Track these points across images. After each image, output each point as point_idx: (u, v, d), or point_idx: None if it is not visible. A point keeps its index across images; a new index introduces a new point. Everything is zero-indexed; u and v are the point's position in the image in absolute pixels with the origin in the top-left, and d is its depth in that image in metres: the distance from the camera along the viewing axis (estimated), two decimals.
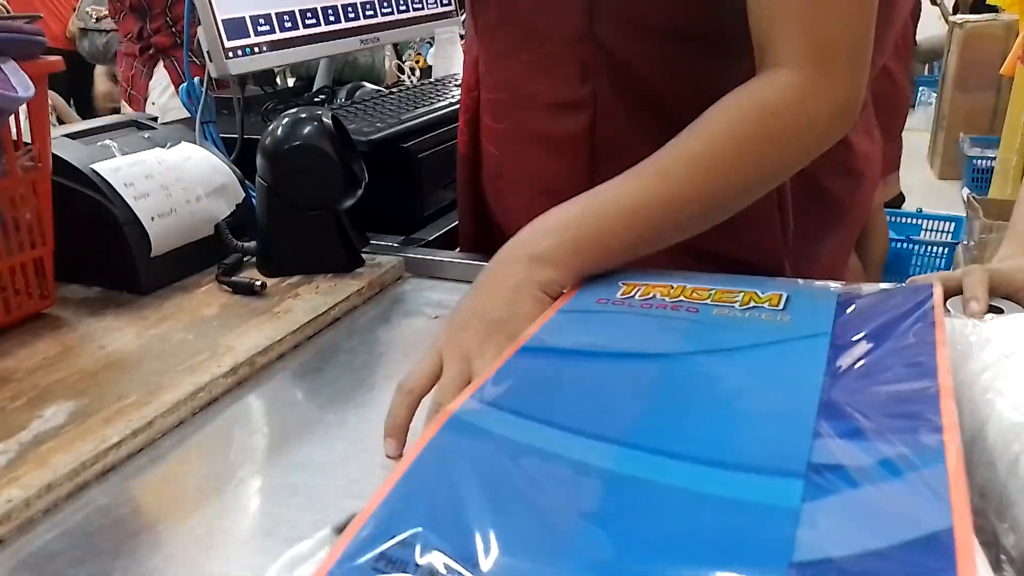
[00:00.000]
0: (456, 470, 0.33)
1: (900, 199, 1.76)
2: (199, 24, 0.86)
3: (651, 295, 0.50)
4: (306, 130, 0.74)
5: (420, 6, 1.21)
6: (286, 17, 0.94)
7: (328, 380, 0.60)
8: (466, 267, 0.77)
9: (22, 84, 0.54)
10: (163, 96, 1.58)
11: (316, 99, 1.09)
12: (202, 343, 0.62)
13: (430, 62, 1.60)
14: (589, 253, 0.54)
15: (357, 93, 1.09)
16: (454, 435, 0.36)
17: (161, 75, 1.59)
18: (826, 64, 0.56)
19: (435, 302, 0.73)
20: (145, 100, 1.61)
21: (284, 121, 0.75)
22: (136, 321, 0.67)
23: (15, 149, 0.63)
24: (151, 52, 1.58)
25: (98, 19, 2.67)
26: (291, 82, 1.41)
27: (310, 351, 0.64)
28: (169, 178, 0.76)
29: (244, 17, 0.88)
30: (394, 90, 1.11)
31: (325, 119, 0.75)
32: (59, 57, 0.63)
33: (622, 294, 0.50)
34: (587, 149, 0.68)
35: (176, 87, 1.57)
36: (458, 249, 0.87)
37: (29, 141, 0.65)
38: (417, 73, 1.49)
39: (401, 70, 1.45)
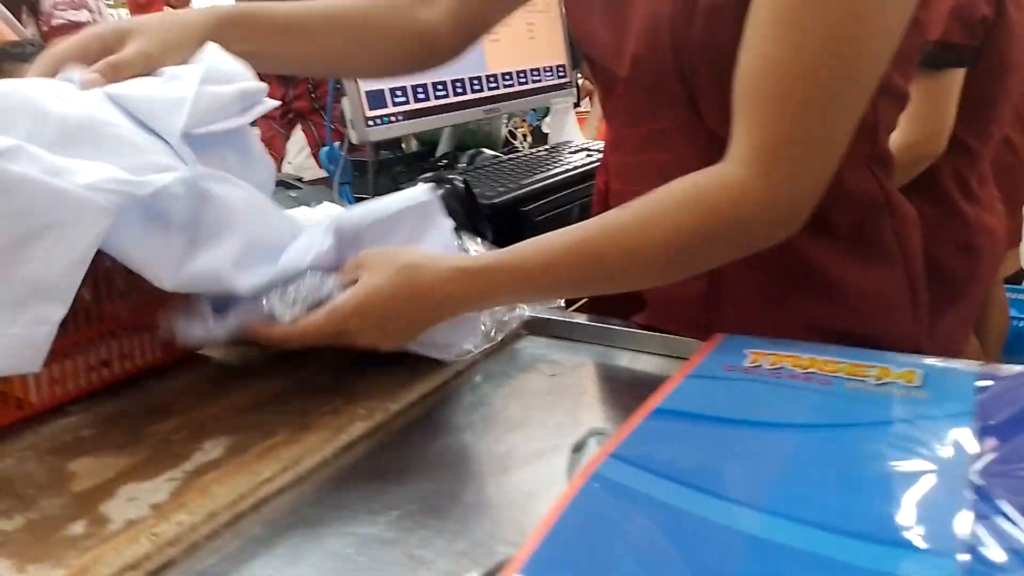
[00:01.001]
0: (601, 528, 0.35)
1: (1021, 275, 1.69)
2: (343, 95, 0.94)
3: (780, 365, 0.51)
4: (440, 193, 0.80)
5: (538, 78, 1.27)
6: (420, 89, 1.02)
7: (449, 428, 0.63)
8: (584, 327, 0.79)
9: None
10: (299, 156, 1.71)
11: (440, 164, 1.16)
12: (342, 386, 0.67)
13: (541, 129, 1.67)
14: (474, 305, 0.63)
15: (478, 159, 1.16)
16: (597, 492, 0.38)
17: (298, 137, 1.71)
18: (768, 165, 0.55)
19: (553, 360, 0.75)
20: (282, 160, 1.74)
21: (417, 185, 0.81)
22: (281, 362, 0.72)
23: None
24: (291, 116, 1.71)
25: None
26: (414, 146, 1.50)
27: (434, 398, 0.68)
28: None
29: (384, 89, 0.96)
30: (512, 156, 1.17)
31: (457, 183, 0.80)
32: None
33: (750, 363, 0.52)
34: None
35: (312, 149, 1.69)
36: (571, 308, 0.90)
37: None
38: (529, 139, 1.55)
39: (513, 136, 1.51)
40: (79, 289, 0.63)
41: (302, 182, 0.95)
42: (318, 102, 1.73)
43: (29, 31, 1.30)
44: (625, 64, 0.70)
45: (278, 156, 1.72)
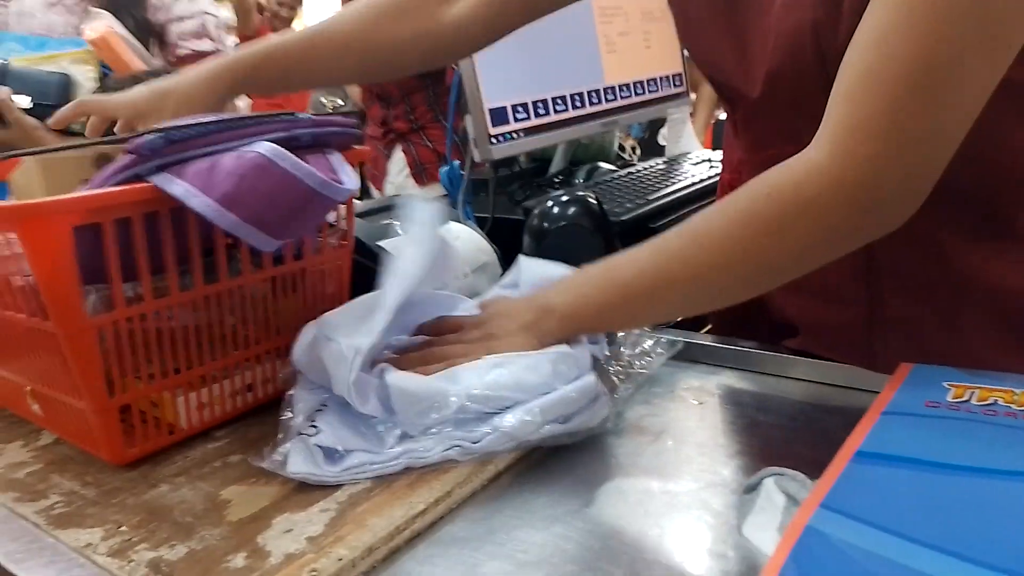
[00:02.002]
0: None
1: None
2: (466, 113, 0.93)
3: (990, 400, 0.45)
4: (572, 210, 0.77)
5: (655, 88, 1.23)
6: (540, 105, 0.99)
7: (597, 458, 0.59)
8: (724, 351, 0.74)
9: (348, 176, 0.60)
10: (399, 176, 1.73)
11: (556, 179, 1.13)
12: None
13: (653, 141, 1.63)
14: (587, 319, 0.62)
15: (595, 174, 1.13)
16: (813, 547, 0.34)
17: (398, 157, 1.73)
18: (847, 140, 0.49)
19: (695, 387, 0.71)
20: (384, 179, 1.76)
21: (550, 202, 0.78)
22: None
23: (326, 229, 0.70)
24: (391, 136, 1.73)
25: (333, 109, 2.97)
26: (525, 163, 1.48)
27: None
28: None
29: (506, 106, 0.94)
30: (632, 171, 1.13)
31: (590, 200, 0.77)
32: (367, 148, 0.70)
33: (953, 397, 0.46)
34: None
35: (411, 168, 1.71)
36: (705, 329, 0.85)
37: (333, 222, 0.72)
38: (638, 151, 1.51)
39: (623, 149, 1.47)
40: (225, 315, 0.63)
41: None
42: (416, 122, 1.74)
43: (157, 61, 1.35)
44: (756, 84, 0.65)
45: (381, 175, 1.74)
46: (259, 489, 0.55)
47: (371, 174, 1.79)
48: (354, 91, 2.07)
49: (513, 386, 0.57)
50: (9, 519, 0.54)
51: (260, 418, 0.67)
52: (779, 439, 0.60)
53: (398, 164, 1.74)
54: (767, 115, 0.67)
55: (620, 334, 0.67)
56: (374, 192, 1.81)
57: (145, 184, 0.53)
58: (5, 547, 0.51)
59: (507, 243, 0.89)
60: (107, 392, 0.56)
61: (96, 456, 0.60)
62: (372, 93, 1.76)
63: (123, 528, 0.52)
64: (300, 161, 0.54)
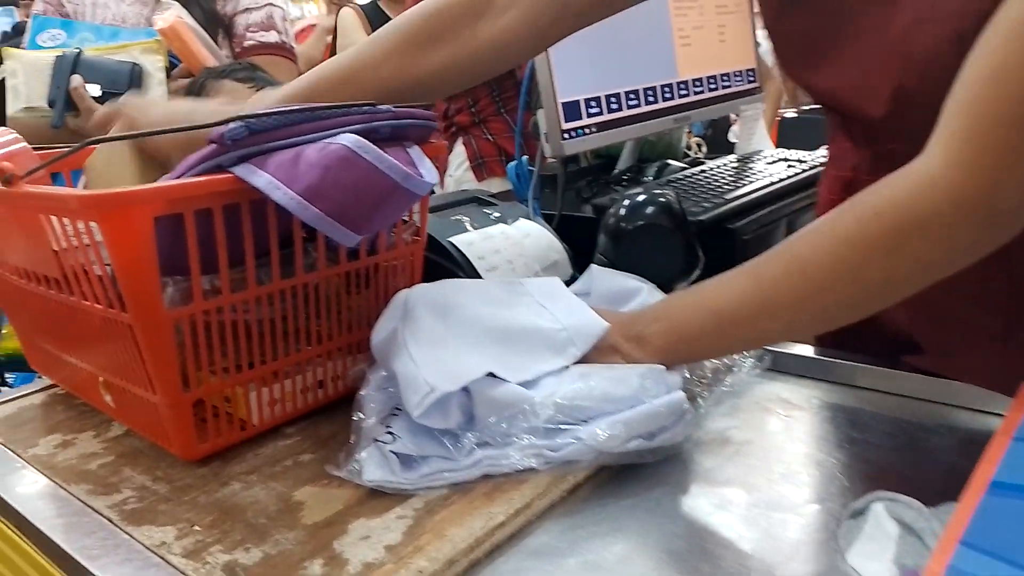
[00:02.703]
0: None
1: None
2: (539, 107, 0.90)
3: None
4: (651, 209, 0.74)
5: (728, 84, 1.19)
6: (613, 99, 0.96)
7: (679, 472, 0.56)
8: (812, 363, 0.70)
9: (428, 170, 0.58)
10: (459, 169, 1.71)
11: (624, 177, 1.10)
12: None
13: (717, 138, 1.58)
14: (678, 348, 0.59)
15: (665, 171, 1.09)
16: None
17: (459, 150, 1.71)
18: (965, 151, 0.45)
19: (782, 399, 0.67)
20: (444, 172, 1.75)
21: (628, 200, 0.75)
22: None
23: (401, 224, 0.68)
24: (453, 130, 1.72)
25: None
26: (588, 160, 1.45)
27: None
28: (513, 253, 0.78)
29: (579, 100, 0.91)
30: (703, 169, 1.09)
31: (670, 199, 0.74)
32: (444, 142, 0.68)
33: None
34: None
35: (471, 162, 1.69)
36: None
37: (406, 218, 0.71)
38: (704, 148, 1.46)
39: (688, 146, 1.43)
40: (299, 310, 0.62)
41: (495, 197, 0.91)
42: (478, 115, 1.72)
43: (224, 52, 1.35)
44: (880, 102, 0.61)
45: (442, 169, 1.72)
46: (332, 491, 0.53)
47: None
48: None
49: (600, 397, 0.54)
50: (83, 512, 0.53)
51: (330, 416, 0.65)
52: (877, 459, 0.56)
53: (458, 158, 1.72)
54: (893, 133, 0.63)
55: None
56: (435, 188, 1.80)
57: (227, 175, 0.52)
58: (80, 542, 0.50)
59: (575, 241, 0.87)
60: (181, 386, 0.55)
61: (167, 450, 0.59)
62: None
63: (196, 527, 0.51)
64: (384, 154, 0.53)
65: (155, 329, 0.53)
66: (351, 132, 0.54)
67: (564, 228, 0.96)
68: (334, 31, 2.35)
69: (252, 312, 0.58)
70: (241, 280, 0.56)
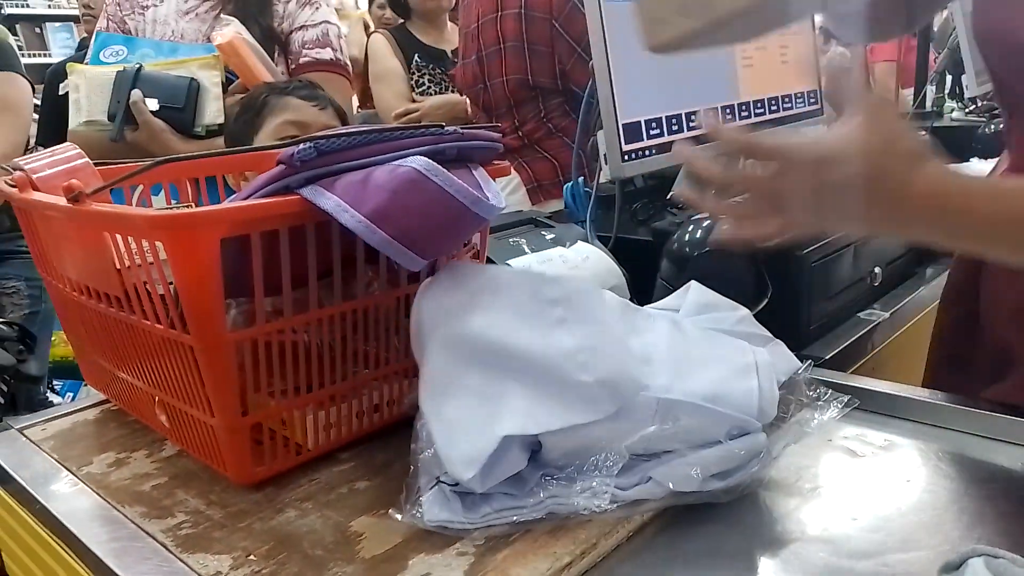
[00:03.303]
0: None
1: None
2: (599, 128, 0.88)
3: None
4: (712, 239, 0.71)
5: (789, 105, 1.16)
6: (674, 121, 0.94)
7: (753, 513, 0.53)
8: (904, 402, 0.66)
9: (494, 193, 0.57)
10: (504, 191, 1.69)
11: (681, 200, 1.07)
12: None
13: None
14: (947, 209, 0.50)
15: None
16: None
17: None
18: None
19: (865, 440, 0.63)
20: None
21: (694, 225, 0.73)
22: None
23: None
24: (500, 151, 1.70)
25: None
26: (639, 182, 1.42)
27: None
28: (571, 277, 0.76)
29: (640, 121, 0.89)
30: None
31: None
32: (507, 163, 0.67)
33: None
34: None
35: (527, 185, 1.66)
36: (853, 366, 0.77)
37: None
38: None
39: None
40: (357, 333, 0.60)
41: (551, 218, 0.90)
42: (527, 138, 1.70)
43: (280, 68, 1.36)
44: None
45: None
46: (390, 523, 0.51)
47: None
48: (427, 104, 2.04)
49: (682, 439, 0.52)
50: (137, 537, 0.52)
51: (385, 440, 0.64)
52: (969, 507, 0.53)
53: (503, 180, 1.71)
54: None
55: (782, 381, 0.61)
56: None
57: (294, 196, 0.51)
58: (136, 568, 0.49)
59: (631, 264, 0.84)
60: (240, 410, 0.54)
61: (221, 473, 0.58)
62: (479, 106, 1.73)
63: (252, 556, 0.49)
64: (453, 177, 0.51)
65: (217, 351, 0.52)
66: (419, 154, 0.53)
67: (620, 251, 0.93)
68: (365, 57, 2.36)
69: (312, 334, 0.57)
70: (303, 302, 0.55)
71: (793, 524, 0.52)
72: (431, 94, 2.16)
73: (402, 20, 2.28)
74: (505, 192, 1.71)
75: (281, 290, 0.53)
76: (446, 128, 0.58)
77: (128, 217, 0.51)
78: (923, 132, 1.76)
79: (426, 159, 0.51)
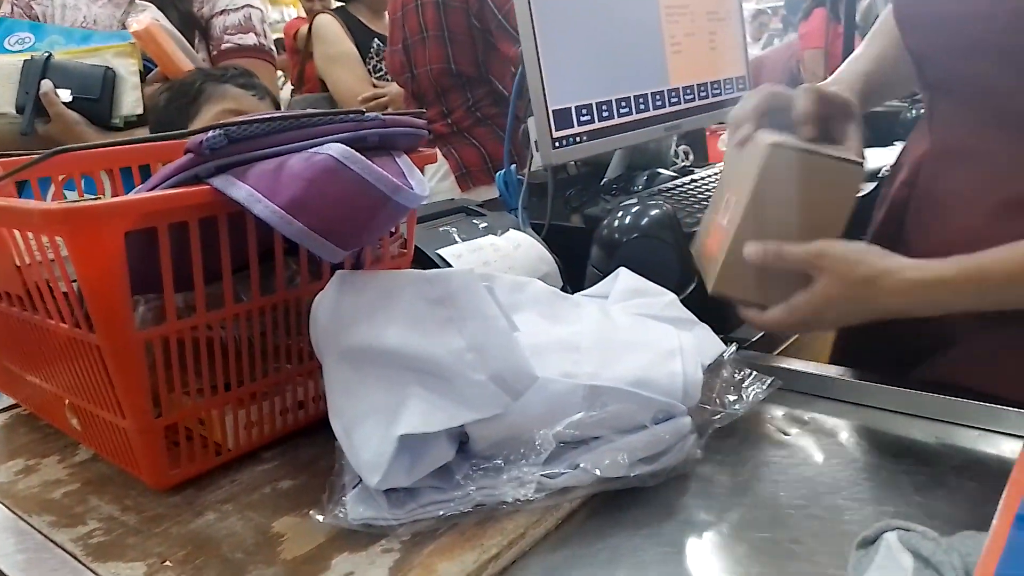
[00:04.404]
0: None
1: None
2: (527, 116, 0.87)
3: None
4: (647, 220, 0.71)
5: (718, 91, 1.17)
6: (604, 107, 0.94)
7: (680, 498, 0.54)
8: (817, 379, 0.67)
9: (418, 181, 0.55)
10: (433, 179, 1.67)
11: (613, 186, 1.07)
12: None
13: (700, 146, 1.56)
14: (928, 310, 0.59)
15: (656, 180, 1.07)
16: None
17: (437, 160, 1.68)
18: None
19: (790, 420, 0.64)
20: None
21: (623, 211, 0.73)
22: None
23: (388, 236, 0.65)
24: (429, 138, 1.68)
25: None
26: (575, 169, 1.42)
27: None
28: (503, 265, 0.76)
29: (570, 108, 0.89)
30: (695, 178, 1.07)
31: (666, 209, 0.72)
32: (434, 150, 0.65)
33: None
34: None
35: (455, 172, 1.65)
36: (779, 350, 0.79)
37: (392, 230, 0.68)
38: (691, 156, 1.45)
39: (677, 155, 1.41)
40: (279, 327, 0.59)
41: (483, 207, 0.89)
42: (455, 125, 1.68)
43: (200, 55, 1.32)
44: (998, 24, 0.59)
45: None
46: (313, 523, 0.50)
47: None
48: (394, 90, 2.01)
49: (608, 426, 0.52)
50: (45, 547, 0.50)
51: (311, 437, 0.62)
52: (888, 483, 0.54)
53: (432, 167, 1.69)
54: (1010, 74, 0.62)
55: (707, 364, 0.61)
56: None
57: (204, 186, 0.48)
58: None
59: (564, 251, 0.84)
60: (152, 411, 0.52)
61: (137, 478, 0.56)
62: (409, 94, 1.71)
63: (167, 563, 0.47)
64: (373, 165, 0.50)
65: (124, 351, 0.49)
66: (337, 141, 0.51)
67: (553, 238, 0.93)
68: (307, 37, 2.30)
69: (229, 330, 0.55)
70: (218, 297, 0.53)
71: (719, 505, 0.53)
72: (388, 80, 2.12)
73: (341, 4, 2.24)
74: (434, 179, 1.69)
75: (194, 285, 0.51)
76: (367, 114, 0.56)
77: (23, 211, 0.48)
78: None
79: (343, 147, 0.49)
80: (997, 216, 0.63)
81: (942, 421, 0.60)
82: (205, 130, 0.48)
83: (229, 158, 0.49)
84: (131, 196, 0.48)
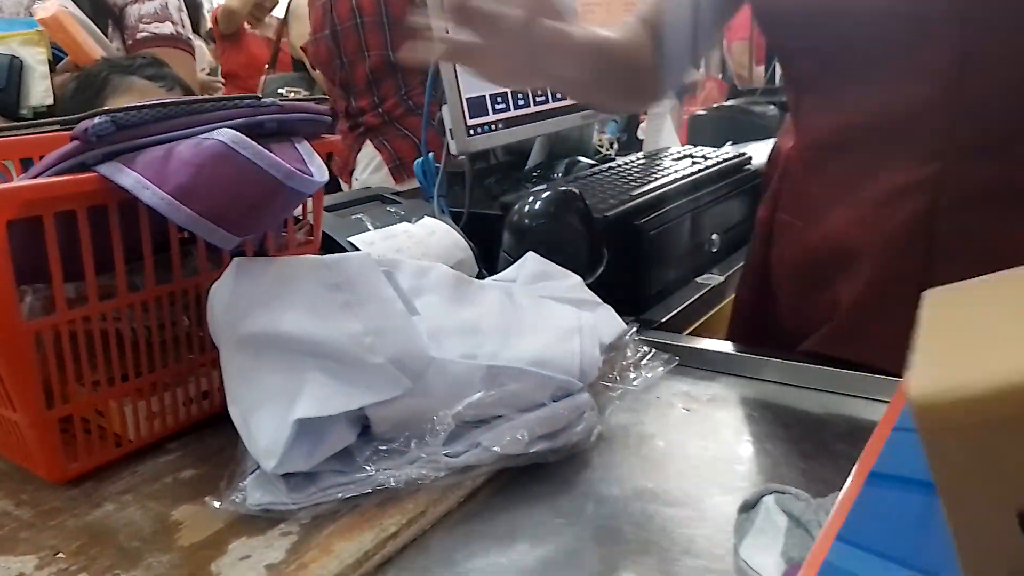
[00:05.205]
0: None
1: None
2: (443, 103, 0.88)
3: None
4: (556, 206, 0.73)
5: None
6: (520, 95, 0.95)
7: (580, 473, 0.56)
8: (715, 356, 0.71)
9: (317, 167, 0.56)
10: (366, 172, 1.66)
11: (534, 174, 1.09)
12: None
13: (632, 136, 1.59)
14: None
15: (575, 168, 1.09)
16: None
17: (367, 152, 1.67)
18: None
19: (689, 395, 0.67)
20: (350, 174, 1.70)
21: (533, 197, 0.74)
22: None
23: (293, 223, 0.65)
24: (361, 130, 1.67)
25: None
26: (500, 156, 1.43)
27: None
28: (417, 252, 0.76)
29: (485, 96, 0.90)
30: (613, 165, 1.09)
31: (575, 195, 0.73)
32: (338, 137, 0.66)
33: None
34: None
35: (389, 164, 1.64)
36: (687, 332, 0.82)
37: (300, 216, 0.68)
38: (616, 145, 1.47)
39: (601, 144, 1.44)
40: (179, 317, 0.58)
41: (399, 195, 0.89)
42: (386, 115, 1.67)
43: (115, 44, 1.28)
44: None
45: (348, 170, 1.67)
46: (214, 510, 0.50)
47: (338, 168, 1.73)
48: (320, 78, 1.99)
49: (508, 403, 0.53)
50: None
51: (218, 428, 0.62)
52: (776, 451, 0.57)
53: (366, 159, 1.68)
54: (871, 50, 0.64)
55: (608, 344, 0.63)
56: (343, 187, 1.74)
57: (91, 174, 0.48)
58: None
59: (484, 238, 0.85)
60: (45, 403, 0.51)
61: (34, 472, 0.55)
62: (335, 83, 1.69)
63: (60, 555, 0.47)
64: (264, 150, 0.50)
65: (12, 342, 0.48)
66: (231, 127, 0.51)
67: (473, 226, 0.94)
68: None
69: (124, 320, 0.54)
70: (111, 286, 0.53)
71: (619, 478, 0.55)
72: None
73: None
74: (367, 171, 1.69)
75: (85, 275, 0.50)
76: (264, 100, 0.56)
77: None
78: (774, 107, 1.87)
79: (234, 132, 0.49)
80: (860, 209, 0.67)
81: (828, 392, 0.64)
82: (92, 116, 0.48)
83: (117, 145, 0.49)
84: (11, 184, 0.47)
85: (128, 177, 0.48)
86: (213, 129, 0.51)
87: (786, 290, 0.76)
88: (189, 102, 0.52)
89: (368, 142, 1.71)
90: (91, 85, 1.04)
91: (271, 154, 0.50)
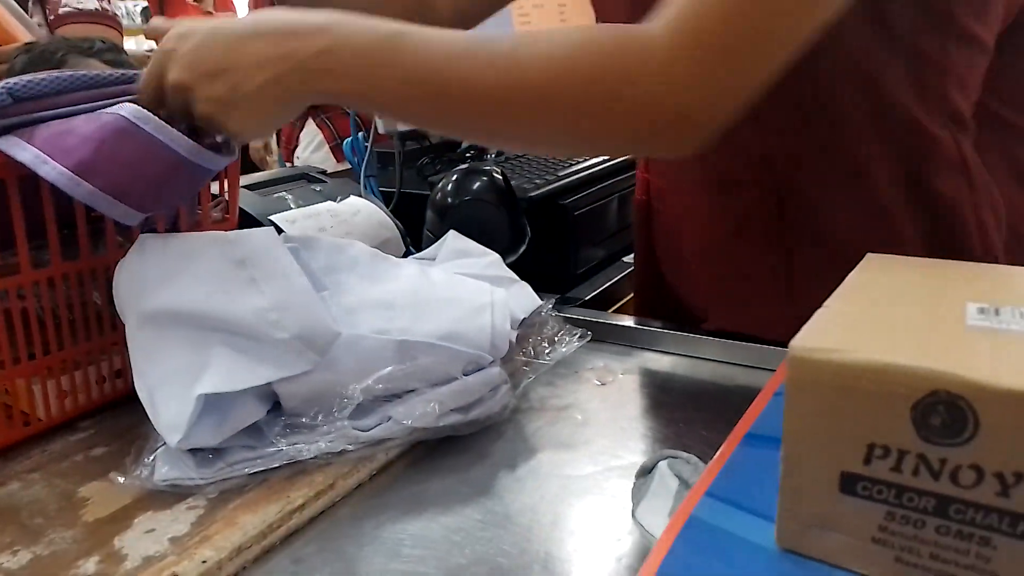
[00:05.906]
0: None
1: None
2: None
3: None
4: (476, 185, 0.74)
5: None
6: None
7: (491, 446, 0.57)
8: (630, 331, 0.73)
9: (227, 143, 0.56)
10: (307, 150, 1.65)
11: (467, 154, 1.10)
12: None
13: None
14: (342, 76, 0.48)
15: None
16: (696, 537, 0.33)
17: (310, 130, 1.65)
18: (693, 35, 0.45)
19: (598, 367, 0.69)
20: (292, 152, 1.68)
21: (455, 176, 0.75)
22: None
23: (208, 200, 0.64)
24: None
25: None
26: (436, 137, 1.43)
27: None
28: (340, 231, 0.77)
29: None
30: None
31: (495, 174, 0.74)
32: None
33: None
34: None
35: (329, 143, 1.63)
36: (612, 309, 0.84)
37: (216, 193, 0.67)
38: None
39: None
40: (89, 294, 0.58)
41: (326, 175, 0.89)
42: None
43: (36, 20, 1.24)
44: None
45: (292, 149, 1.66)
46: (121, 486, 0.50)
47: (284, 147, 1.71)
48: None
49: (419, 377, 0.54)
50: None
51: (132, 406, 0.61)
52: (681, 420, 0.59)
53: (307, 138, 1.66)
54: None
55: (525, 318, 0.64)
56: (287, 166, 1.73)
57: None
58: None
59: (415, 218, 0.86)
60: None
61: None
62: None
63: None
64: (166, 125, 0.49)
65: None
66: (134, 102, 0.51)
67: (404, 206, 0.95)
68: None
69: (30, 298, 0.54)
70: (14, 263, 0.52)
71: (531, 450, 0.56)
72: None
73: None
74: (308, 150, 1.67)
75: None
76: None
77: None
78: None
79: (135, 107, 0.49)
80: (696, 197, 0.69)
81: (729, 363, 0.66)
82: None
83: (15, 119, 0.48)
84: None
85: (27, 152, 0.47)
86: (116, 103, 0.50)
87: (667, 269, 0.78)
88: (92, 75, 0.51)
89: (310, 120, 1.69)
90: (46, 62, 1.01)
91: (174, 129, 0.50)
